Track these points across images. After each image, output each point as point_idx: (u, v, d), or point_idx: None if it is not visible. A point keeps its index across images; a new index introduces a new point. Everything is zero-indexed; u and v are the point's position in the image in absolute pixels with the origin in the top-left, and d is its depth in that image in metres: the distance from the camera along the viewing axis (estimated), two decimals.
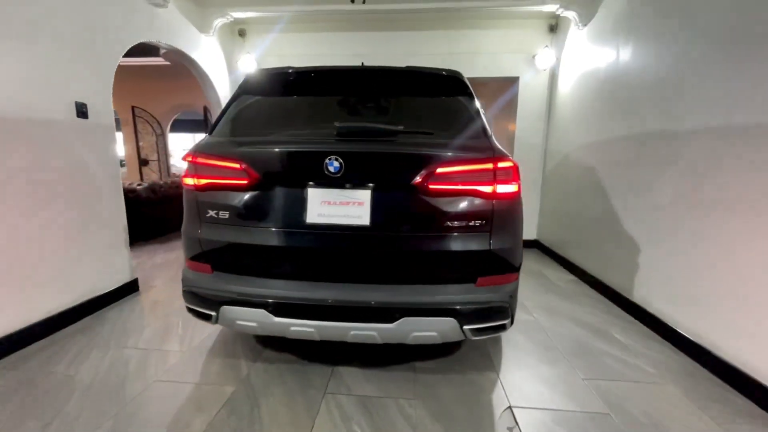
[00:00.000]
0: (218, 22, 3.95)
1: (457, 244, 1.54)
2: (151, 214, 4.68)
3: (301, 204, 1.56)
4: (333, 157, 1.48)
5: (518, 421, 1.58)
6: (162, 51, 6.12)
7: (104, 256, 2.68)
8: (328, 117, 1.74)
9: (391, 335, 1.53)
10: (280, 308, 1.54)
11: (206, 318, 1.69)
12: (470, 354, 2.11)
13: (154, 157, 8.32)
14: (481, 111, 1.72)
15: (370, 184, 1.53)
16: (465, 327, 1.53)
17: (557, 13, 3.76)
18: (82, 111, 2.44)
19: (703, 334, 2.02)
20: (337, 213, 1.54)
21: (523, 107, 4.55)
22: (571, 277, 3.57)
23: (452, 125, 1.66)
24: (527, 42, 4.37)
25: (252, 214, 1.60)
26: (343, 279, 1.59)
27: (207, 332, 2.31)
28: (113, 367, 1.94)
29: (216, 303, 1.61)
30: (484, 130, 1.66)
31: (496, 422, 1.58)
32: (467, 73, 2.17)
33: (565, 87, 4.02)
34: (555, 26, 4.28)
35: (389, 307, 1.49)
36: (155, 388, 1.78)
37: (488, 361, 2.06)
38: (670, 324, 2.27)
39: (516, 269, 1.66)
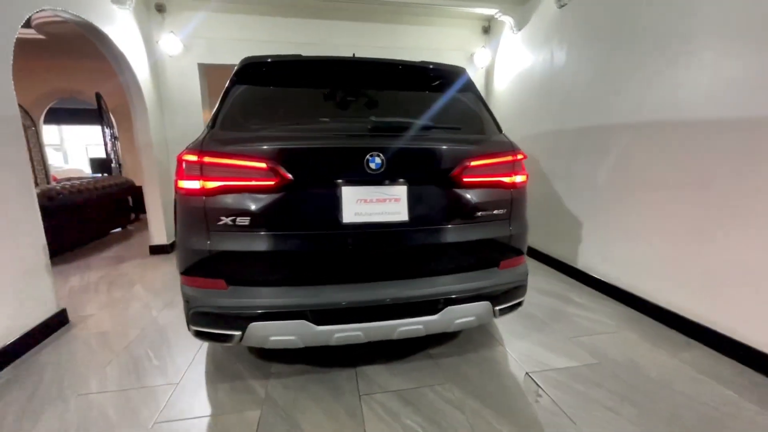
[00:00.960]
0: None
1: (485, 232, 1.65)
2: (51, 226, 3.73)
3: (335, 203, 1.47)
4: (374, 153, 1.43)
5: (539, 383, 1.80)
6: (34, 22, 4.87)
7: (22, 285, 2.09)
8: (344, 110, 1.66)
9: (435, 326, 1.57)
10: (323, 316, 1.44)
11: (225, 339, 1.48)
12: (472, 333, 2.27)
13: None
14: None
15: (407, 180, 1.52)
16: (496, 308, 1.66)
17: (496, 17, 4.13)
18: None
19: (640, 288, 2.55)
20: (374, 211, 1.50)
21: None
22: None
23: (468, 120, 1.74)
24: (466, 41, 4.71)
25: (278, 217, 1.45)
26: (384, 277, 1.56)
27: (191, 358, 2.01)
28: (86, 420, 1.56)
29: (241, 320, 1.43)
30: (497, 124, 1.78)
31: (523, 389, 1.76)
32: None
33: (501, 85, 4.47)
34: (488, 28, 4.70)
35: (433, 299, 1.53)
36: (160, 431, 1.50)
37: (490, 336, 2.25)
38: (611, 283, 2.79)
39: (524, 251, 1.85)
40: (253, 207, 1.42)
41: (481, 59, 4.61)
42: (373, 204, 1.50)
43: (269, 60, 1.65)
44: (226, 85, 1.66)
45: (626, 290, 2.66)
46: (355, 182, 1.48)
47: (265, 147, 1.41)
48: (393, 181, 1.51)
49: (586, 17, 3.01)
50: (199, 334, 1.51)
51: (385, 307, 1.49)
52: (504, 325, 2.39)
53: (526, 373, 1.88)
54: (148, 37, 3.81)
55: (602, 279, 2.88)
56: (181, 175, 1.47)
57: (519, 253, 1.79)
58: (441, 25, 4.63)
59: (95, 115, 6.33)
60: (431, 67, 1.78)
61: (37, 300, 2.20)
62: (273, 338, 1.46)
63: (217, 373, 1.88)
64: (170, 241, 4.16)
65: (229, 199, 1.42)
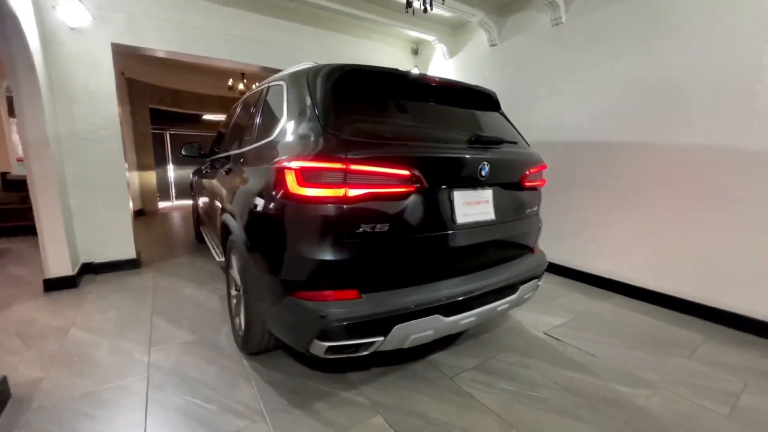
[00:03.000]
0: None
1: (530, 224, 2.11)
2: None
3: (450, 207, 1.65)
4: (485, 162, 1.68)
5: (556, 337, 2.37)
6: None
7: None
8: (437, 123, 1.82)
9: (515, 302, 1.92)
10: (451, 307, 1.60)
11: (361, 349, 1.47)
12: None
13: None
14: None
15: (493, 184, 1.83)
16: (538, 283, 2.13)
17: (432, 43, 4.75)
18: None
19: (573, 261, 3.52)
20: (475, 212, 1.75)
21: None
22: None
23: (511, 136, 2.13)
24: (398, 59, 5.20)
25: (413, 222, 1.53)
26: (483, 267, 1.81)
27: (253, 391, 1.78)
28: None
29: (385, 325, 1.45)
30: (524, 139, 2.25)
31: (549, 342, 2.30)
32: None
33: None
34: (417, 50, 5.32)
35: (516, 280, 1.88)
36: None
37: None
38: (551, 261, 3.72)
39: None
40: (393, 213, 1.47)
41: None
42: (473, 206, 1.74)
43: (375, 70, 1.68)
44: (321, 88, 1.59)
45: (561, 264, 3.61)
46: (463, 187, 1.70)
47: (411, 155, 1.48)
48: (485, 186, 1.79)
49: (513, 56, 3.91)
50: (332, 350, 1.43)
51: (489, 292, 1.75)
52: None
53: (544, 332, 2.44)
54: (36, 1, 2.82)
55: None
56: (307, 183, 1.38)
57: (538, 240, 2.32)
58: (378, 41, 4.98)
59: None
60: (484, 91, 2.12)
61: None
62: (414, 336, 1.52)
63: (297, 398, 1.74)
64: (76, 270, 3.15)
65: (373, 207, 1.43)
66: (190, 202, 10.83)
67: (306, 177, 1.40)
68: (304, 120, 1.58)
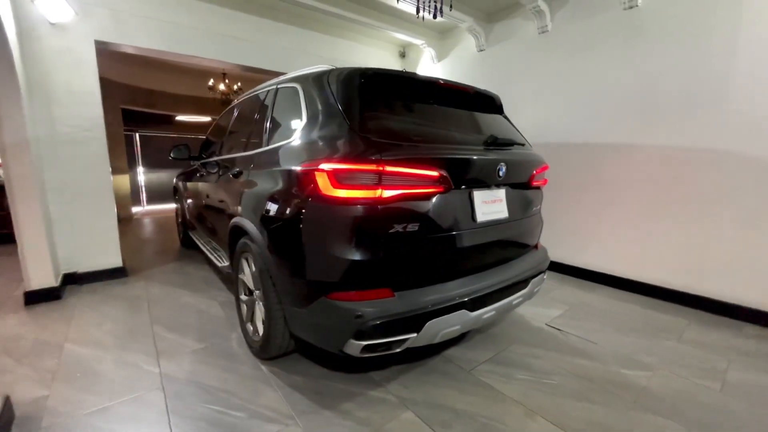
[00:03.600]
0: None
1: (536, 221, 2.22)
2: None
3: (471, 206, 1.72)
4: (502, 163, 1.76)
5: (558, 328, 2.51)
6: None
7: None
8: (447, 125, 1.88)
9: (527, 295, 2.02)
10: (475, 302, 1.66)
11: (393, 346, 1.51)
12: None
13: None
14: None
15: (506, 184, 1.92)
16: (544, 276, 2.25)
17: (421, 47, 4.84)
18: None
19: (562, 256, 3.71)
20: (491, 210, 1.82)
21: None
22: None
23: (518, 137, 2.23)
24: (386, 62, 5.26)
25: (440, 221, 1.58)
26: (499, 263, 1.90)
27: (278, 395, 1.77)
28: None
29: (418, 322, 1.49)
30: (526, 140, 2.37)
31: (552, 333, 2.43)
32: None
33: None
34: (404, 53, 5.40)
35: (527, 275, 1.98)
36: None
37: None
38: None
39: None
40: (422, 212, 1.52)
41: None
42: (489, 204, 1.82)
43: (397, 74, 1.71)
44: (347, 90, 1.61)
45: (551, 260, 3.78)
46: (481, 187, 1.77)
47: (441, 157, 1.53)
48: (499, 186, 1.88)
49: (500, 61, 4.07)
50: (367, 348, 1.45)
51: (506, 287, 1.83)
52: None
53: (546, 324, 2.57)
54: None
55: None
56: (341, 185, 1.40)
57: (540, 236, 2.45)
58: (367, 44, 5.02)
59: None
60: (490, 94, 2.21)
61: None
62: (444, 331, 1.57)
63: (324, 399, 1.74)
64: (59, 281, 2.96)
65: (405, 207, 1.46)
66: (162, 206, 10.42)
67: (340, 179, 1.42)
68: (330, 122, 1.60)
